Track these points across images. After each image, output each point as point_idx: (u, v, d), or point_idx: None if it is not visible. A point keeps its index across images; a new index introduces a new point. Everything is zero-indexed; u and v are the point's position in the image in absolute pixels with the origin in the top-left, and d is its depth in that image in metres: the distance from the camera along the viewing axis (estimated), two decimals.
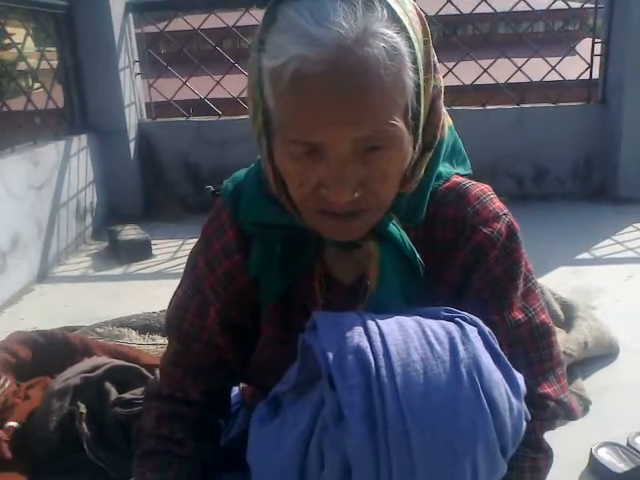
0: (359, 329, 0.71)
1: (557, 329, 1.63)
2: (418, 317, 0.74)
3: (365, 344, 0.70)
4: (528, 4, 3.54)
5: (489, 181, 0.87)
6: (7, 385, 1.47)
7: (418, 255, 0.78)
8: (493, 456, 0.69)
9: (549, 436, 0.86)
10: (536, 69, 3.59)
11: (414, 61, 0.67)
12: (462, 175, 0.86)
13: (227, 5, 3.91)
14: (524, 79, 3.61)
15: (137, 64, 3.72)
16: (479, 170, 0.87)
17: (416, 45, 0.68)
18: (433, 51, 0.73)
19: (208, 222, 0.90)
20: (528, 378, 0.77)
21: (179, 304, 0.93)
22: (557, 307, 1.93)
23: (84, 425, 1.32)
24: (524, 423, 0.73)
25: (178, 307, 0.93)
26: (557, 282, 2.29)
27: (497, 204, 0.83)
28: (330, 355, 0.69)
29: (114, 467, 1.27)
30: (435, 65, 0.74)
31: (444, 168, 0.84)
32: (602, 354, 1.75)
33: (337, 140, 0.66)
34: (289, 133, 0.68)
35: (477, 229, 0.80)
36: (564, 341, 1.66)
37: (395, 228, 0.78)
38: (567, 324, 1.84)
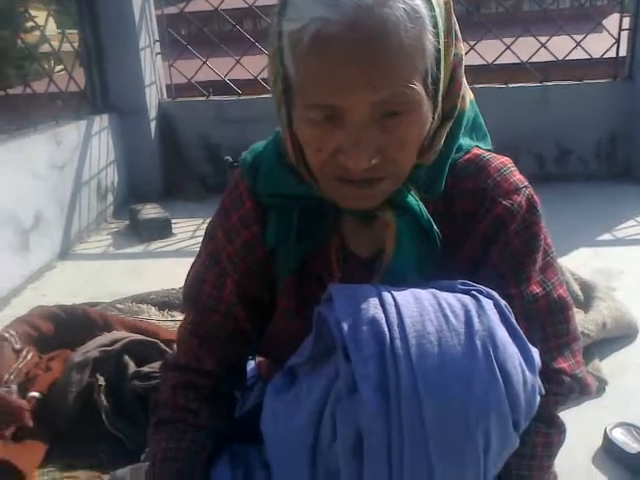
0: (374, 300, 0.71)
1: (576, 310, 1.61)
2: (434, 290, 0.74)
3: (380, 315, 0.69)
4: None
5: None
6: (29, 357, 1.51)
7: (435, 226, 0.77)
8: (505, 429, 0.69)
9: (564, 415, 0.86)
10: (562, 47, 3.51)
11: (435, 25, 0.67)
12: (482, 149, 0.85)
13: None
14: (549, 57, 3.54)
15: (157, 44, 3.72)
16: (501, 149, 0.86)
17: (437, 10, 0.67)
18: (454, 18, 0.72)
19: (227, 193, 0.90)
20: (543, 352, 0.76)
21: (197, 275, 0.94)
22: (576, 287, 1.91)
23: (103, 397, 1.34)
24: (538, 397, 0.72)
25: (196, 278, 0.93)
26: (578, 263, 2.27)
27: (518, 176, 0.82)
28: (345, 326, 0.69)
29: (132, 438, 1.30)
30: (456, 33, 0.73)
31: (464, 141, 0.83)
32: (620, 335, 1.73)
33: (355, 103, 0.65)
34: (308, 96, 0.67)
35: (497, 201, 0.79)
36: (582, 321, 1.64)
37: (413, 199, 0.77)
38: (586, 304, 1.83)
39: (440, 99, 0.72)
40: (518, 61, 3.55)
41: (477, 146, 0.84)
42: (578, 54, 3.47)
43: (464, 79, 0.77)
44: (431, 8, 0.66)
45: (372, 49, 0.62)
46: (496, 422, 0.67)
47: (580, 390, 0.83)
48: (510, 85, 3.54)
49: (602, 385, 1.50)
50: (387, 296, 0.72)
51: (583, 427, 1.29)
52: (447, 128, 0.76)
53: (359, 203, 0.75)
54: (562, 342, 0.82)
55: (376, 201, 0.75)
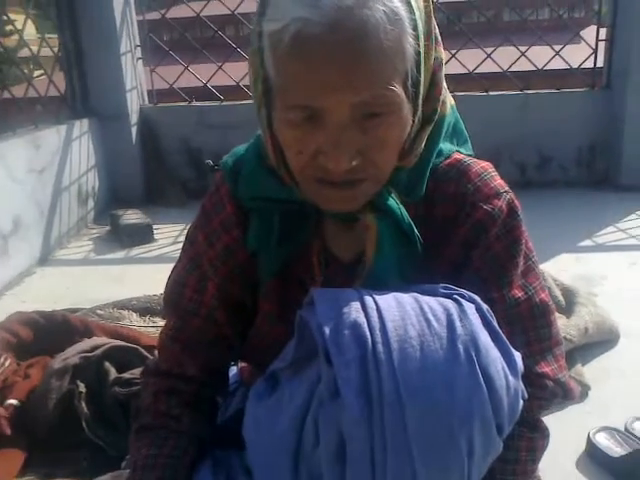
0: (356, 305, 0.71)
1: (558, 315, 1.62)
2: (416, 294, 0.74)
3: (362, 319, 0.69)
4: None
5: None
6: (7, 364, 1.48)
7: (416, 230, 0.77)
8: (489, 433, 0.69)
9: (547, 420, 0.86)
10: (541, 56, 3.56)
11: (414, 28, 0.67)
12: (463, 154, 0.86)
13: None
14: (529, 67, 3.58)
15: (139, 49, 3.70)
16: (482, 156, 0.86)
17: (417, 13, 0.67)
18: (434, 22, 0.72)
19: (208, 197, 0.90)
20: (526, 357, 0.77)
21: (178, 279, 0.93)
22: (558, 293, 1.92)
23: (83, 404, 1.32)
24: (521, 402, 0.72)
25: (177, 282, 0.93)
26: (559, 269, 2.28)
27: (498, 181, 0.82)
28: (327, 330, 0.68)
29: (113, 445, 1.27)
30: (437, 36, 0.73)
31: (445, 146, 0.83)
32: (602, 340, 1.74)
33: (335, 104, 0.65)
34: (288, 97, 0.67)
35: (477, 206, 0.79)
36: (564, 326, 1.65)
37: (394, 202, 0.77)
38: (568, 310, 1.84)
39: (420, 102, 0.72)
40: (499, 70, 3.59)
41: (458, 151, 0.85)
42: (557, 64, 3.52)
43: (444, 84, 0.77)
44: (411, 11, 0.66)
45: (352, 50, 0.62)
46: (479, 427, 0.67)
47: (563, 395, 0.84)
48: (491, 93, 3.58)
49: (585, 390, 1.50)
50: (369, 300, 0.72)
51: (566, 431, 1.30)
52: (427, 132, 0.77)
53: (340, 205, 0.75)
54: (544, 346, 0.82)
55: (357, 203, 0.75)
